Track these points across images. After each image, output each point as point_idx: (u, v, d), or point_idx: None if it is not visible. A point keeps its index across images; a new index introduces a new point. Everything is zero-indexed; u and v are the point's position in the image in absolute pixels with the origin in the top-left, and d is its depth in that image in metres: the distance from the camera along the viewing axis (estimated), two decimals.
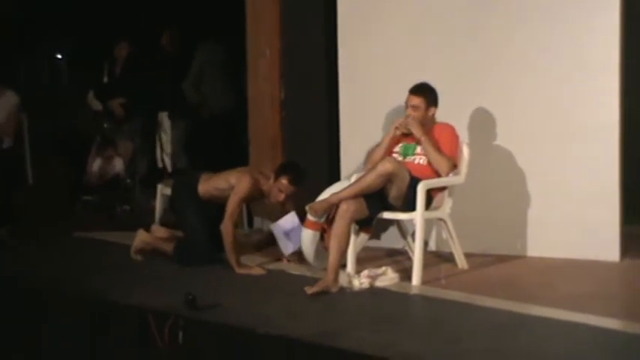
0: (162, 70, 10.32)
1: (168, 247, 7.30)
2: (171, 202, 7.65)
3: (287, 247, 7.20)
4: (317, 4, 8.33)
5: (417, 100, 6.83)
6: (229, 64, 10.04)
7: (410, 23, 7.55)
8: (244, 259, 7.13)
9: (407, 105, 6.86)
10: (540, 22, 7.14)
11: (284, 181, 6.97)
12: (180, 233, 7.47)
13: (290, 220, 7.11)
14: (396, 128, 6.85)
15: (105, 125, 10.63)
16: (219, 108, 10.03)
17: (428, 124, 6.86)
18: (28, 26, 12.22)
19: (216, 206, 7.08)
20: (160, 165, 10.78)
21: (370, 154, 7.01)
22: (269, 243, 7.61)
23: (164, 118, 10.58)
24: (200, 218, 7.20)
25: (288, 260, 7.25)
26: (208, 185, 7.24)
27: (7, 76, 10.52)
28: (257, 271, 6.91)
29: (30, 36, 11.96)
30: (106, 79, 10.91)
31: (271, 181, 7.02)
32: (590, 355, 5.07)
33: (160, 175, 10.36)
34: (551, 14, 7.11)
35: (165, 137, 10.65)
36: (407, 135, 6.85)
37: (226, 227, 6.91)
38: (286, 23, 8.56)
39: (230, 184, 7.07)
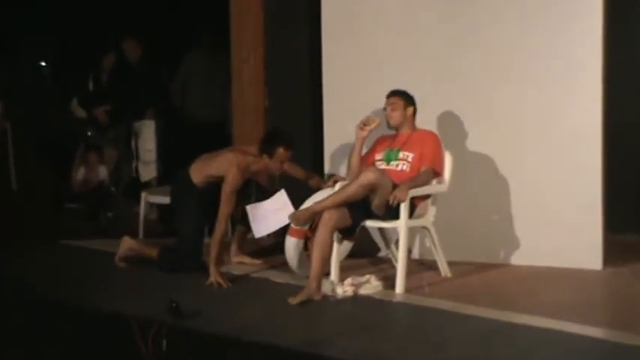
0: (139, 78, 10.35)
1: (153, 253, 7.30)
2: (171, 205, 7.60)
3: (259, 230, 7.10)
4: (301, 13, 8.37)
5: (394, 99, 6.93)
6: (214, 73, 10.08)
7: (393, 33, 7.57)
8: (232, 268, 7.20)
9: (385, 108, 6.95)
10: (523, 30, 7.18)
11: (281, 150, 6.96)
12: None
13: (278, 199, 7.05)
14: (361, 131, 6.90)
15: (89, 133, 10.61)
16: (203, 114, 10.07)
17: (407, 126, 6.94)
18: (10, 33, 12.22)
19: (216, 187, 7.06)
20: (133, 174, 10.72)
21: (349, 159, 7.04)
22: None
23: (141, 126, 10.53)
24: (195, 225, 7.18)
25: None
26: (201, 174, 7.20)
27: None
28: (225, 283, 6.84)
29: (12, 43, 11.95)
30: (91, 87, 10.91)
31: (265, 158, 7.01)
32: None
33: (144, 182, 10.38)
34: (534, 23, 7.15)
35: (141, 145, 10.59)
36: (390, 139, 6.93)
37: (219, 224, 6.90)
38: (270, 31, 8.59)
39: (219, 173, 7.06)
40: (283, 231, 7.05)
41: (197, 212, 7.18)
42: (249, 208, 7.06)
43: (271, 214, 6.99)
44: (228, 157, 7.12)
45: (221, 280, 6.80)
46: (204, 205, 7.15)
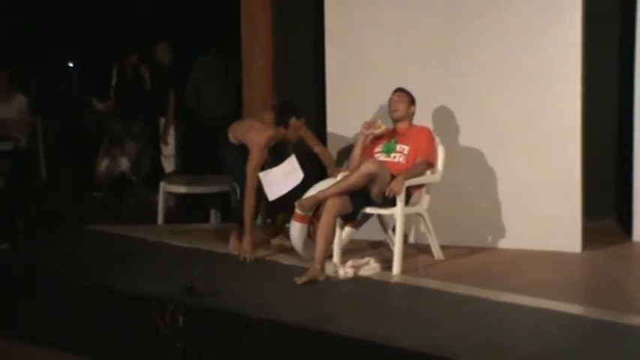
0: (159, 79, 10.40)
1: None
2: (220, 161, 7.59)
3: (272, 193, 7.05)
4: (307, 18, 8.34)
5: (402, 94, 6.91)
6: (225, 74, 10.08)
7: (389, 39, 7.53)
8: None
9: (390, 103, 6.91)
10: (510, 36, 7.15)
11: (293, 120, 7.00)
12: None
13: (289, 163, 7.06)
14: (365, 130, 6.86)
15: (114, 127, 10.59)
16: (215, 112, 10.07)
17: (407, 122, 6.91)
18: (41, 37, 12.24)
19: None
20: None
21: (351, 153, 7.03)
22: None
23: (162, 123, 10.58)
24: (237, 163, 7.18)
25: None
26: (233, 133, 7.26)
27: (20, 82, 10.55)
28: (250, 254, 6.86)
29: (43, 46, 11.96)
30: (114, 81, 10.94)
31: (282, 129, 7.03)
32: (553, 337, 5.11)
33: (161, 173, 10.38)
34: (518, 30, 7.12)
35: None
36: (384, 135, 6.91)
37: (247, 198, 6.95)
38: (278, 34, 8.57)
39: (244, 142, 7.12)
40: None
41: (238, 161, 7.16)
42: (261, 175, 7.03)
43: (282, 177, 7.01)
44: (252, 136, 7.08)
45: (249, 250, 6.84)
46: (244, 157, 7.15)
